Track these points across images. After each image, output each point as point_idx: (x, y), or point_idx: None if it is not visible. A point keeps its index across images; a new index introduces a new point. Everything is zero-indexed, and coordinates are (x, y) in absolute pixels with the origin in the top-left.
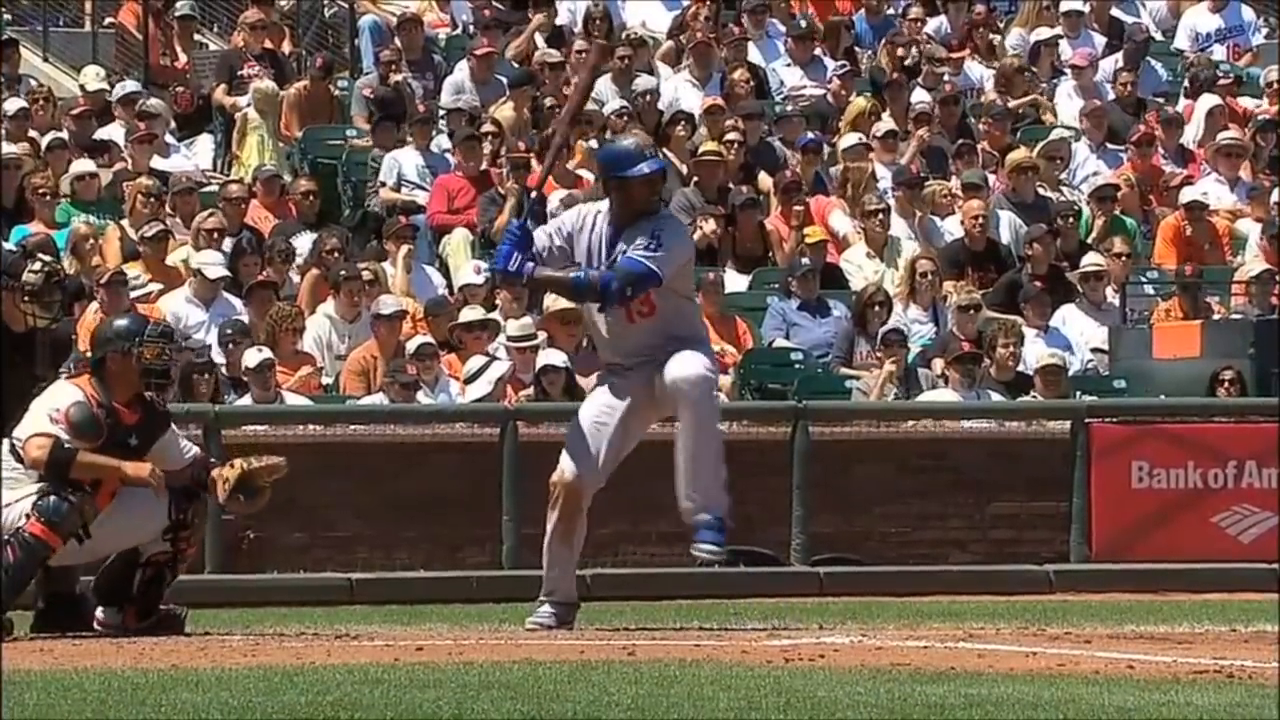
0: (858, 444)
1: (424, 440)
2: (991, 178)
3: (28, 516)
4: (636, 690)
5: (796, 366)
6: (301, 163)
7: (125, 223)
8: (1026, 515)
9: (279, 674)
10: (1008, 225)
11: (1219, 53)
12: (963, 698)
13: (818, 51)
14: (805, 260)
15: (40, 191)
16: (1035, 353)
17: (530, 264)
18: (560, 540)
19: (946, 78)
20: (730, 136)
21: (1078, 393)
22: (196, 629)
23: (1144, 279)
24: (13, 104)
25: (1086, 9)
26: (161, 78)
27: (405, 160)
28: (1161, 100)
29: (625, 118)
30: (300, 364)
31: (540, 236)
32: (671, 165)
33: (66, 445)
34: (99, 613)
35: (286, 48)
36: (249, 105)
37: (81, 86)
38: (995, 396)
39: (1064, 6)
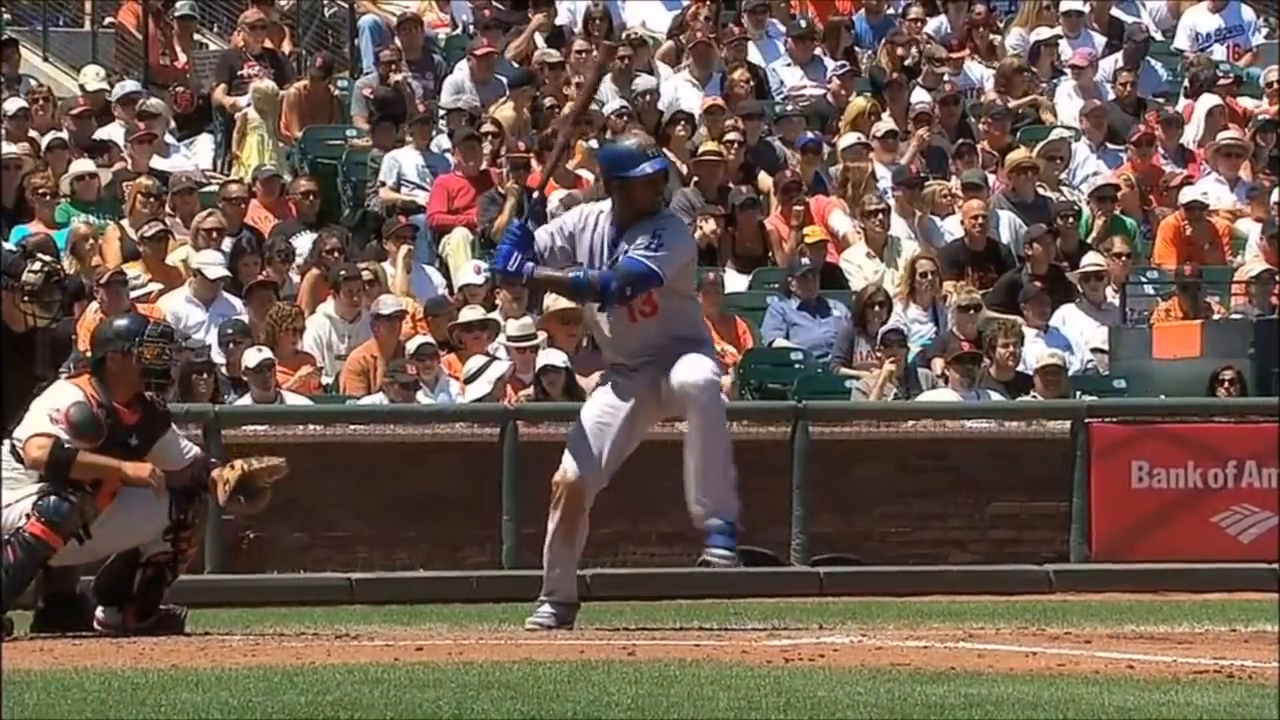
0: (858, 444)
1: (424, 440)
2: (991, 178)
3: (28, 516)
4: (636, 690)
5: (796, 366)
6: (301, 163)
7: (125, 223)
8: (1026, 515)
9: (279, 674)
10: (1008, 225)
11: (1219, 53)
12: (963, 698)
13: (818, 51)
14: (805, 260)
15: (40, 191)
16: (1035, 353)
17: (530, 264)
18: (562, 540)
19: (946, 78)
20: (730, 136)
21: (1078, 393)
22: (196, 629)
23: (1144, 279)
24: (13, 104)
25: (1086, 9)
26: (161, 78)
27: (405, 160)
28: (1161, 100)
29: (625, 118)
30: (300, 364)
31: (542, 236)
32: (672, 165)
33: (67, 445)
34: (99, 612)
35: (286, 48)
36: (249, 105)
37: (81, 86)
38: (995, 396)
39: (1064, 6)
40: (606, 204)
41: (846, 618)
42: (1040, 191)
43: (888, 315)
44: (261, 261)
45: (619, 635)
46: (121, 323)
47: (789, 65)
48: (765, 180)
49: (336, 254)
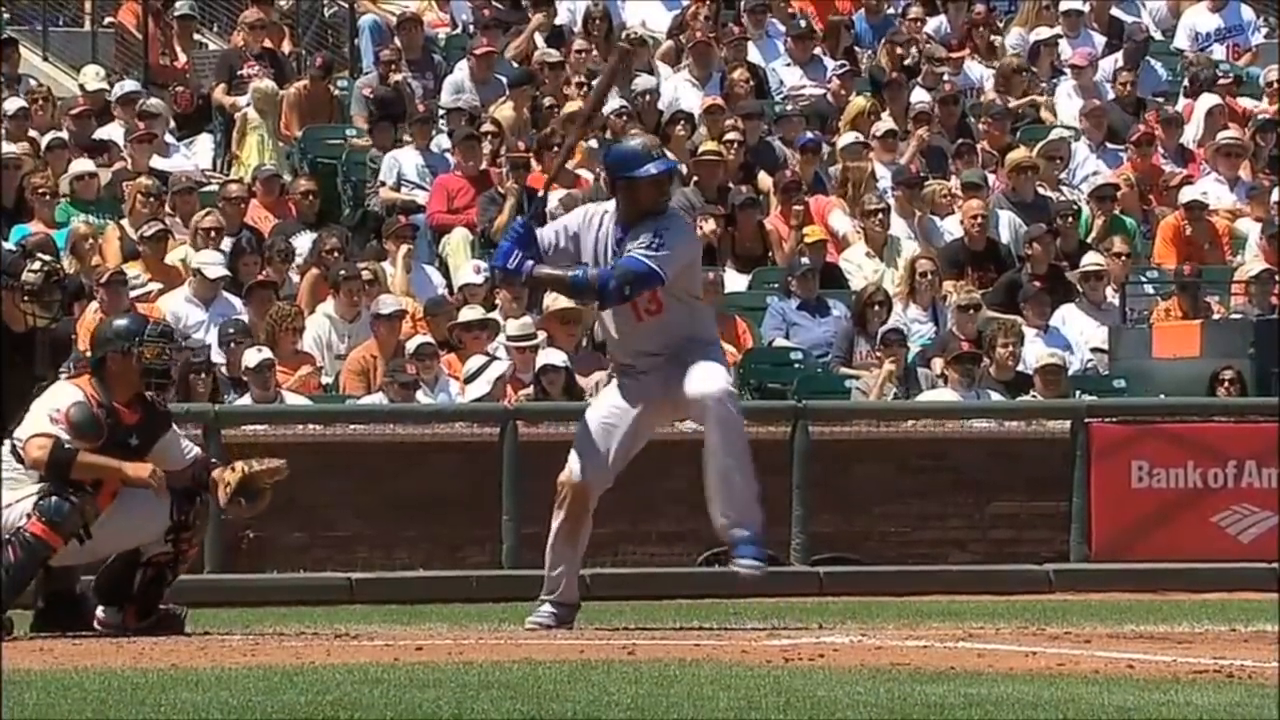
0: (858, 444)
1: (424, 440)
2: (991, 177)
3: (29, 516)
4: (636, 690)
5: (796, 366)
6: (301, 162)
7: (125, 222)
8: (1026, 515)
9: (279, 674)
10: (1007, 225)
11: (1219, 52)
12: (963, 697)
13: (817, 51)
14: (805, 260)
15: (40, 191)
16: (1035, 352)
17: (530, 261)
18: (565, 540)
19: (946, 77)
20: (730, 136)
21: (1077, 392)
22: (196, 629)
23: (1144, 279)
24: (12, 104)
25: (1086, 9)
26: (161, 77)
27: (405, 160)
28: (1161, 100)
29: (625, 117)
30: (300, 364)
31: (547, 234)
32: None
33: (67, 445)
34: (99, 612)
35: (286, 47)
36: (249, 105)
37: (81, 86)
38: (995, 396)
39: (1064, 6)
40: (611, 204)
41: (846, 617)
42: (1040, 191)
43: (887, 315)
44: (261, 261)
45: (619, 635)
46: (121, 323)
47: (789, 65)
48: (765, 180)
49: (336, 254)
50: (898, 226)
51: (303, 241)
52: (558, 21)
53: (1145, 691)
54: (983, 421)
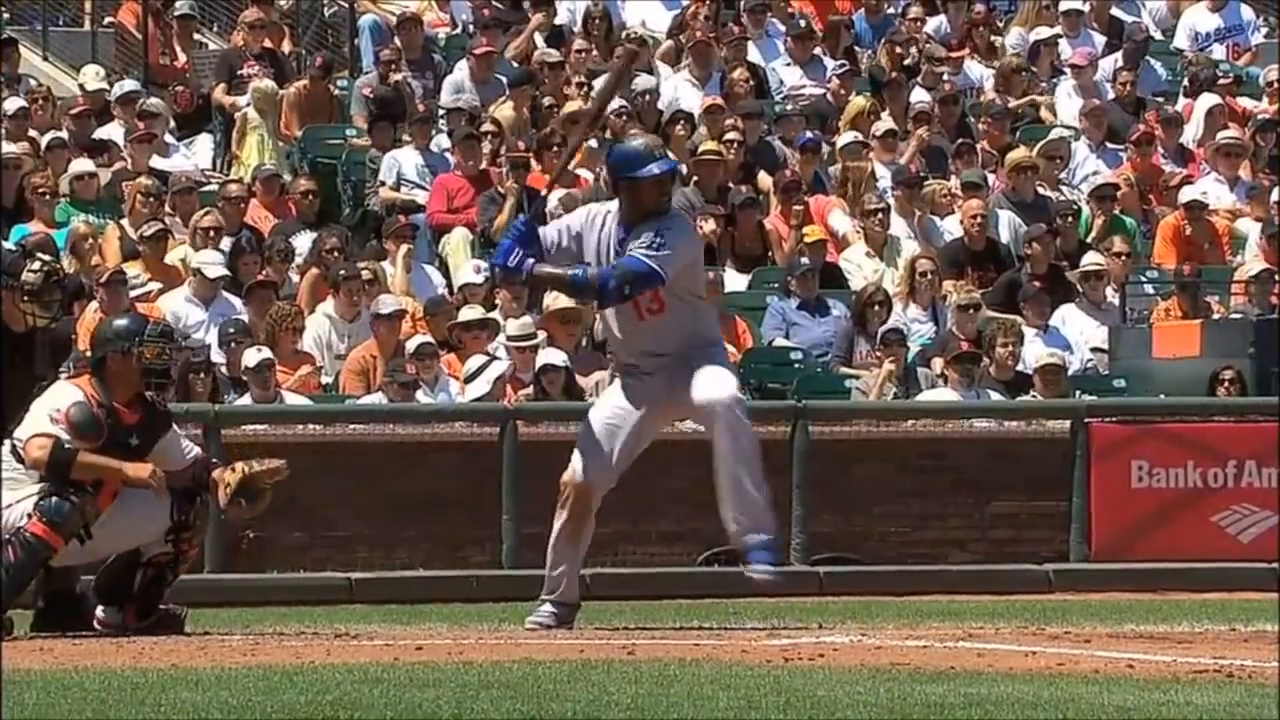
0: (857, 444)
1: (424, 440)
2: (991, 177)
3: (29, 516)
4: (636, 690)
5: (796, 366)
6: (301, 162)
7: (125, 222)
8: (1026, 515)
9: (279, 673)
10: (1007, 225)
11: (1219, 52)
12: (962, 697)
13: (817, 51)
14: (805, 260)
15: (40, 191)
16: (1035, 352)
17: (530, 260)
18: (567, 540)
19: (946, 77)
20: (730, 136)
21: (1077, 392)
22: (196, 629)
23: (1144, 278)
24: (12, 103)
25: (1086, 8)
26: (161, 77)
27: (405, 160)
28: (1161, 100)
29: (625, 117)
30: (300, 364)
31: (550, 233)
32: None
33: (67, 445)
34: (99, 612)
35: (286, 47)
36: (248, 105)
37: (81, 86)
38: (995, 396)
39: (1064, 6)
40: (614, 204)
41: (846, 617)
42: (1040, 191)
43: (887, 315)
44: (261, 261)
45: (619, 635)
46: (121, 322)
47: (789, 65)
48: (765, 180)
49: (336, 253)
50: (898, 226)
51: (303, 241)
52: (558, 21)
53: (1145, 691)
54: (983, 421)
